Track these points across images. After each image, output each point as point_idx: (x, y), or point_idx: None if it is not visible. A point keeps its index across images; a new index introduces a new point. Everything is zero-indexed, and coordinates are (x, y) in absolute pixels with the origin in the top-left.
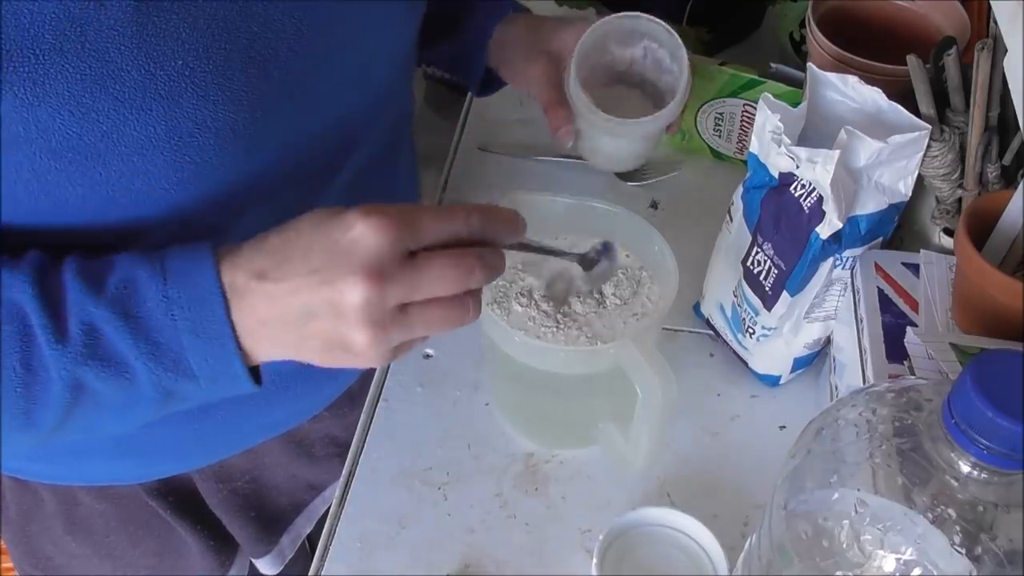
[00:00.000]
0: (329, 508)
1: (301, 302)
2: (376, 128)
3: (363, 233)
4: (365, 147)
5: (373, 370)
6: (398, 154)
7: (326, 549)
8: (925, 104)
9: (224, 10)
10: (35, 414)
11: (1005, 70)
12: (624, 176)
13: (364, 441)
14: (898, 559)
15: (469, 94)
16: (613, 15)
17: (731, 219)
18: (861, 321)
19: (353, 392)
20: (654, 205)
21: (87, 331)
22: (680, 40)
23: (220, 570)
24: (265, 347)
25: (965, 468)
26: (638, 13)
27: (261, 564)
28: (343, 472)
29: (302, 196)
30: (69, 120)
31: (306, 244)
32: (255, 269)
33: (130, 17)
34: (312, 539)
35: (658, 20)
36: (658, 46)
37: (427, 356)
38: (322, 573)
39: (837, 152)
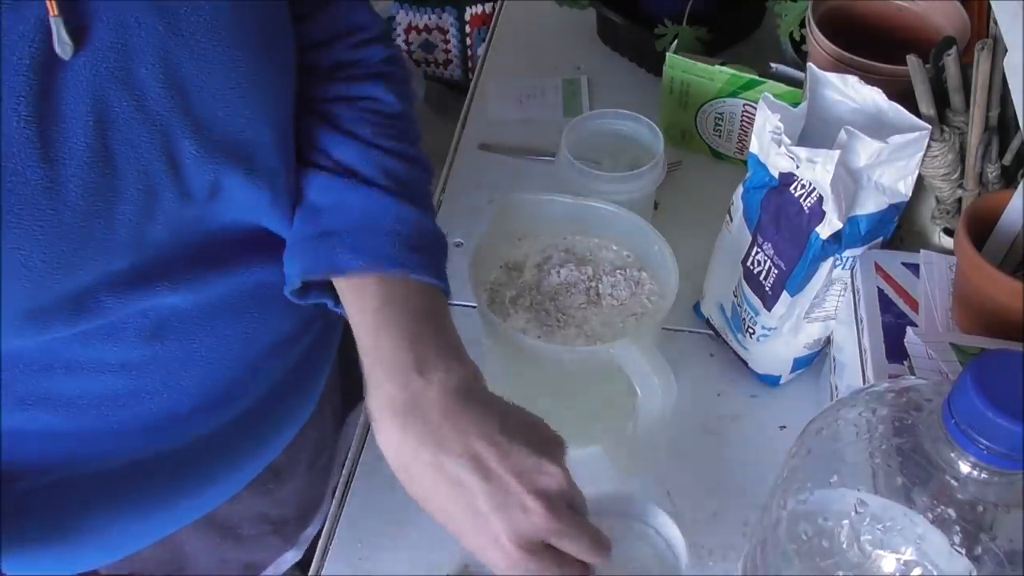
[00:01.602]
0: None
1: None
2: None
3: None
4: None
5: (305, 442)
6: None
7: (326, 549)
8: (925, 104)
9: (19, 138)
10: None
11: (1005, 70)
12: None
13: (364, 441)
14: (898, 559)
15: (469, 94)
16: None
17: (731, 219)
18: (861, 321)
19: (276, 467)
20: (654, 205)
21: None
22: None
23: None
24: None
25: (965, 468)
26: None
27: None
28: (343, 472)
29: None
30: None
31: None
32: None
33: None
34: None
35: None
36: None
37: None
38: (322, 573)
39: (837, 152)
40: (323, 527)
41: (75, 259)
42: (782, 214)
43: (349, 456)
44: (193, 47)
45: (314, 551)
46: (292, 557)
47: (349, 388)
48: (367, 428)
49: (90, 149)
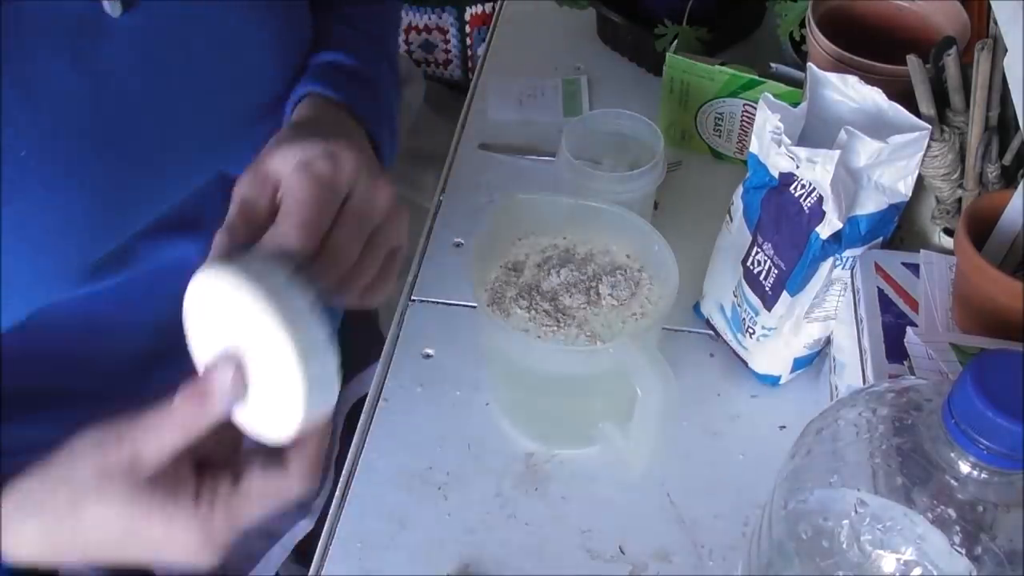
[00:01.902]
0: (289, 556)
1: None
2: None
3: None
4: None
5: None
6: None
7: (326, 549)
8: (925, 104)
9: (69, 93)
10: None
11: (1005, 70)
12: None
13: (364, 441)
14: (898, 559)
15: (469, 94)
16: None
17: (731, 219)
18: (861, 321)
19: None
20: (654, 205)
21: None
22: None
23: None
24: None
25: (965, 468)
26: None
27: None
28: (343, 472)
29: (177, 249)
30: None
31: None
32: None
33: None
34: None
35: None
36: None
37: (427, 356)
38: (322, 573)
39: (837, 152)
40: (332, 496)
41: (126, 208)
42: (782, 214)
43: (349, 456)
44: (231, 5)
45: (318, 535)
46: (306, 526)
47: (349, 355)
48: (367, 428)
49: (140, 102)
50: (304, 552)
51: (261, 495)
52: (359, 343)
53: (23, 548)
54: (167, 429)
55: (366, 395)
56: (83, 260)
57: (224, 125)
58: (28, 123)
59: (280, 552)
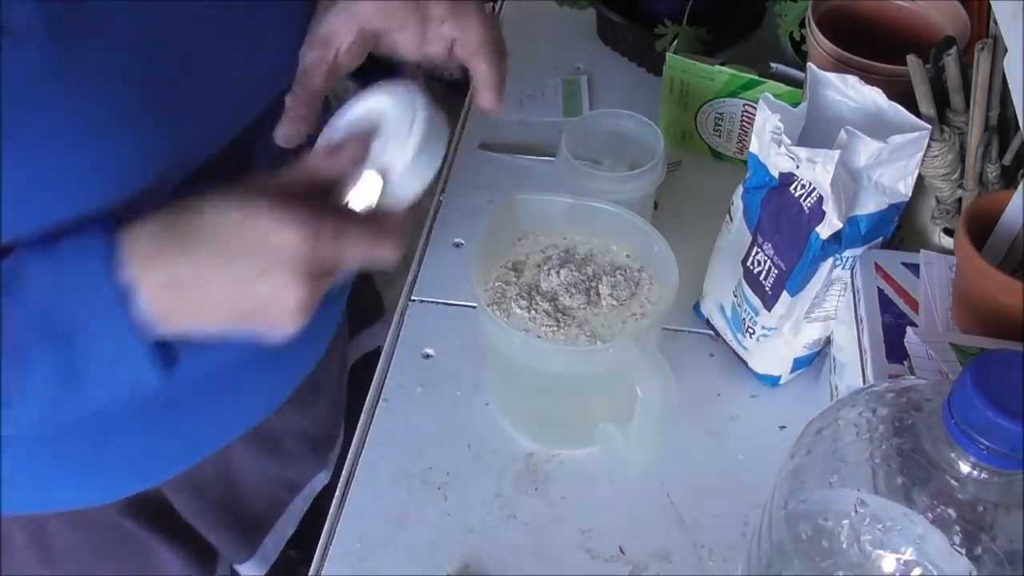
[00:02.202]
0: (310, 507)
1: (234, 306)
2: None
3: (285, 239)
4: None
5: (333, 357)
6: None
7: (326, 549)
8: (925, 104)
9: (142, 35)
10: None
11: (1005, 70)
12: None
13: (364, 441)
14: (898, 559)
15: (469, 94)
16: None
17: (731, 219)
18: (861, 321)
19: (314, 380)
20: (654, 205)
21: None
22: None
23: None
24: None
25: (965, 468)
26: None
27: (244, 569)
28: (343, 472)
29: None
30: None
31: (222, 244)
32: (170, 276)
33: (49, 54)
34: (297, 541)
35: None
36: None
37: (427, 356)
38: (322, 573)
39: (837, 152)
40: (344, 452)
41: (176, 143)
42: (782, 214)
43: (349, 456)
44: None
45: (333, 489)
46: (323, 479)
47: (356, 313)
48: (367, 428)
49: (192, 39)
50: (317, 514)
51: (360, 242)
52: (362, 303)
53: (151, 291)
54: (297, 171)
55: (369, 351)
56: (147, 187)
57: (268, 56)
58: (107, 66)
59: (301, 505)
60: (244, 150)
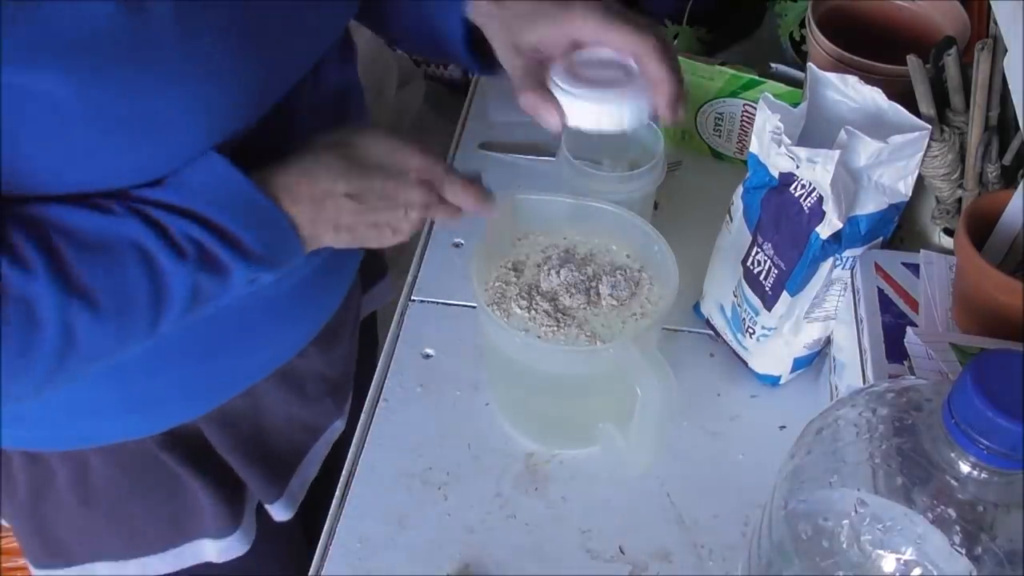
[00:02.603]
0: (329, 452)
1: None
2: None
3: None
4: (327, 70)
5: (349, 307)
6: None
7: (326, 549)
8: (925, 104)
9: None
10: (160, 325)
11: (1005, 70)
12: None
13: (364, 441)
14: (898, 559)
15: (469, 94)
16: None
17: (731, 219)
18: (861, 321)
19: (334, 326)
20: (654, 205)
21: (194, 244)
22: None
23: (232, 525)
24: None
25: (965, 468)
26: None
27: (274, 510)
28: (343, 472)
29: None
30: (120, 100)
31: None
32: (310, 195)
33: (172, 6)
34: (317, 486)
35: None
36: None
37: (427, 356)
38: (322, 573)
39: (837, 152)
40: (360, 402)
41: (263, 92)
42: (782, 214)
43: (349, 456)
44: None
45: (349, 438)
46: (339, 427)
47: (363, 274)
48: (367, 428)
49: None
50: (334, 464)
51: (456, 182)
52: (367, 267)
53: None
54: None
55: (375, 311)
56: (238, 127)
57: (323, 21)
58: (215, 20)
59: (321, 450)
60: (297, 96)
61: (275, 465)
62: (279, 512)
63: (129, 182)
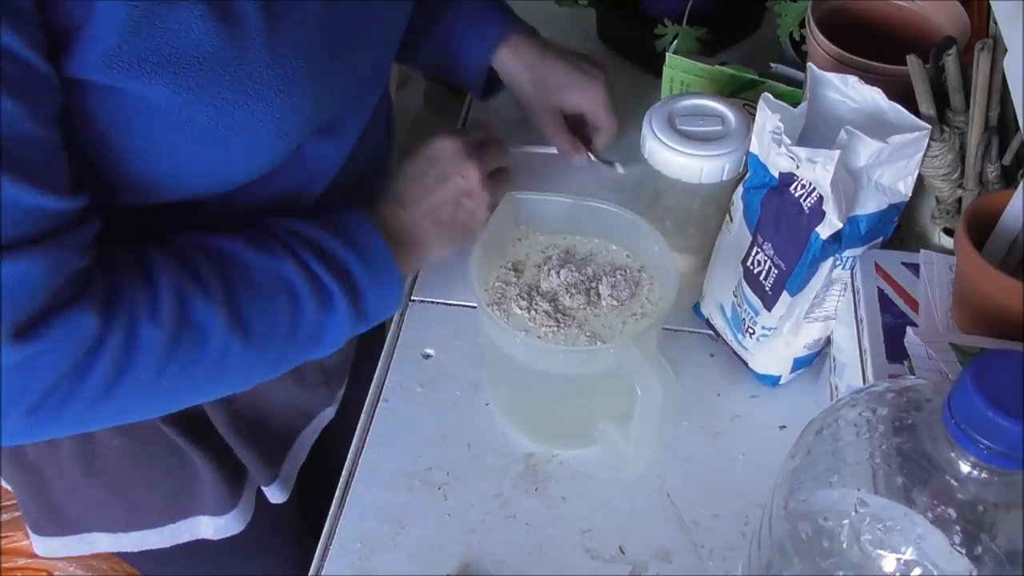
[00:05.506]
0: (319, 436)
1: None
2: (383, 81)
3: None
4: (377, 90)
5: None
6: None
7: (326, 549)
8: (925, 104)
9: (320, 17)
10: (289, 362)
11: (1005, 70)
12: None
13: (364, 441)
14: (898, 559)
15: (469, 94)
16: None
17: (731, 219)
18: (861, 321)
19: None
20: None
21: (328, 292)
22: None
23: (230, 503)
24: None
25: (965, 468)
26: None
27: (270, 492)
28: (343, 472)
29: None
30: (210, 112)
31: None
32: (398, 234)
33: (263, 27)
34: (309, 479)
35: None
36: None
37: (427, 356)
38: (322, 573)
39: (837, 152)
40: (348, 390)
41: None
42: (782, 214)
43: (349, 456)
44: None
45: (340, 427)
46: (329, 413)
47: None
48: (367, 428)
49: (349, 21)
50: (326, 449)
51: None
52: None
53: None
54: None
55: None
56: (303, 142)
57: (387, 40)
58: (299, 40)
59: (311, 435)
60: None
61: (271, 446)
62: (274, 494)
63: (197, 191)
